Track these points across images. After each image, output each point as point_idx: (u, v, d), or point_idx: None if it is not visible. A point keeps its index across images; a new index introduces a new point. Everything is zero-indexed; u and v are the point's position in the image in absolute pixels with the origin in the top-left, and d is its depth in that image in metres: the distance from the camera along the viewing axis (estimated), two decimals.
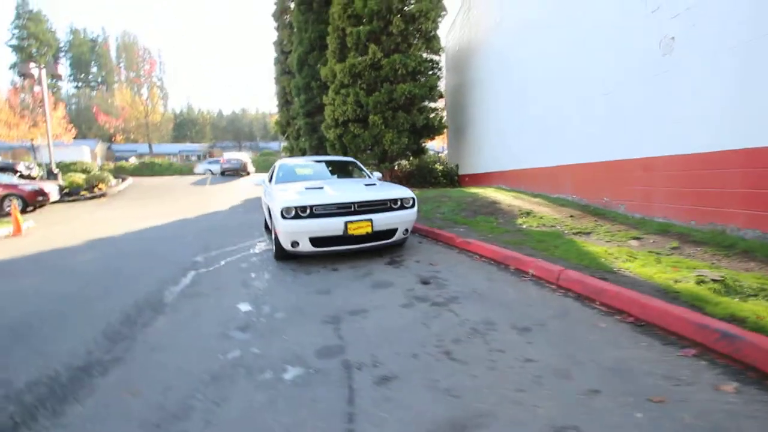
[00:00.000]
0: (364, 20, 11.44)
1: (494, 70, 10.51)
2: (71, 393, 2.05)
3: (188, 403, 1.90)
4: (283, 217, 4.32)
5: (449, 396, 1.84)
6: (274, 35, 19.83)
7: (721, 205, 4.09)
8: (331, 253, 4.55)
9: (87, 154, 30.87)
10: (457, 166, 14.25)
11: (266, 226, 7.15)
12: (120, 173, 22.21)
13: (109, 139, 39.21)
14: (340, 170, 6.33)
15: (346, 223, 4.34)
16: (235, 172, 21.13)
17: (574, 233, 5.07)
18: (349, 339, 2.53)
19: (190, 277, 4.34)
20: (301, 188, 4.96)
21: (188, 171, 26.52)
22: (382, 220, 4.53)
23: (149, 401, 1.94)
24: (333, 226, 4.35)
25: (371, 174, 6.40)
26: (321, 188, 4.89)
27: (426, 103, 11.87)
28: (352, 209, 4.48)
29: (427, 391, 1.89)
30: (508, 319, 2.68)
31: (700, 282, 2.99)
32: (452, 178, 14.09)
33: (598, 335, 2.38)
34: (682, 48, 4.44)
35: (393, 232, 4.71)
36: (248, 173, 21.54)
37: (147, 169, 26.90)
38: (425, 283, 3.67)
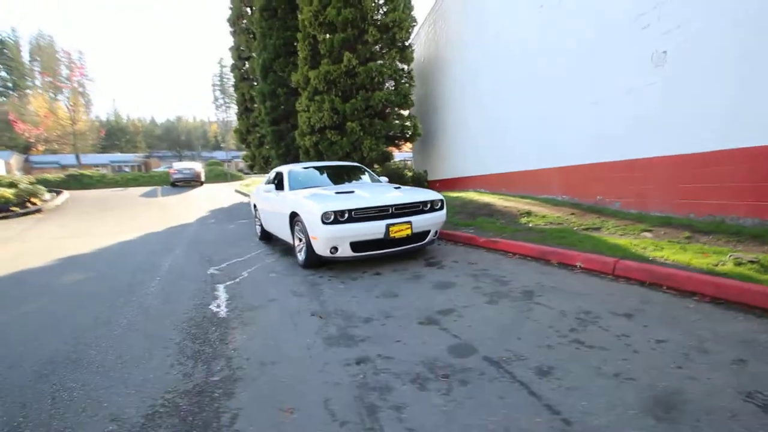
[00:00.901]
0: (338, 28, 11.43)
1: (465, 82, 10.99)
2: (223, 425, 1.81)
3: (363, 412, 1.77)
4: (323, 222, 4.16)
5: (625, 379, 1.90)
6: (220, 40, 19.00)
7: (717, 198, 4.64)
8: (366, 257, 4.44)
9: (1, 167, 27.06)
10: (425, 171, 14.58)
11: (264, 235, 6.81)
12: (45, 187, 19.71)
13: (26, 150, 34.71)
14: (351, 175, 6.23)
15: (388, 226, 4.29)
16: (188, 182, 19.73)
17: (584, 229, 5.44)
18: (467, 337, 2.50)
19: (222, 290, 4.00)
20: (330, 193, 4.81)
21: (127, 183, 24.26)
22: (419, 222, 4.54)
23: (316, 417, 1.77)
24: (375, 229, 4.27)
25: (380, 178, 6.38)
26: (352, 192, 4.79)
27: (401, 110, 12.09)
28: (390, 212, 4.43)
29: (601, 378, 1.93)
30: (601, 308, 2.82)
31: (738, 264, 3.37)
32: (422, 183, 14.38)
33: (698, 314, 2.59)
34: (673, 61, 5.00)
35: (426, 234, 4.73)
36: (201, 183, 20.21)
37: (75, 182, 24.18)
38: (485, 280, 3.72)
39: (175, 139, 47.74)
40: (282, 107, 14.12)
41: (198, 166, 20.59)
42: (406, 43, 11.59)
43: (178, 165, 20.80)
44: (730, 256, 3.55)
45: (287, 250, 6.05)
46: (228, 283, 4.30)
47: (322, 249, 4.29)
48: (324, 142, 11.54)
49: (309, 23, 11.65)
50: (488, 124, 9.75)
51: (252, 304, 3.49)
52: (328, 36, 11.39)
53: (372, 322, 2.87)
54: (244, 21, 17.06)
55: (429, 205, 4.77)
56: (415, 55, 14.92)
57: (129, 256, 6.19)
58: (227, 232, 8.48)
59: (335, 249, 4.26)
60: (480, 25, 9.97)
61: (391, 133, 11.74)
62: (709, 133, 4.68)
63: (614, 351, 2.19)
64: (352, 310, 3.16)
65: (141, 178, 26.10)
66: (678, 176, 5.10)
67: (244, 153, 18.14)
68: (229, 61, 19.21)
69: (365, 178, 6.23)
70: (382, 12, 11.33)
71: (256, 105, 16.60)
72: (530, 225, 6.13)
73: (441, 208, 4.88)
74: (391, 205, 4.44)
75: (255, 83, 16.82)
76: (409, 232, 4.43)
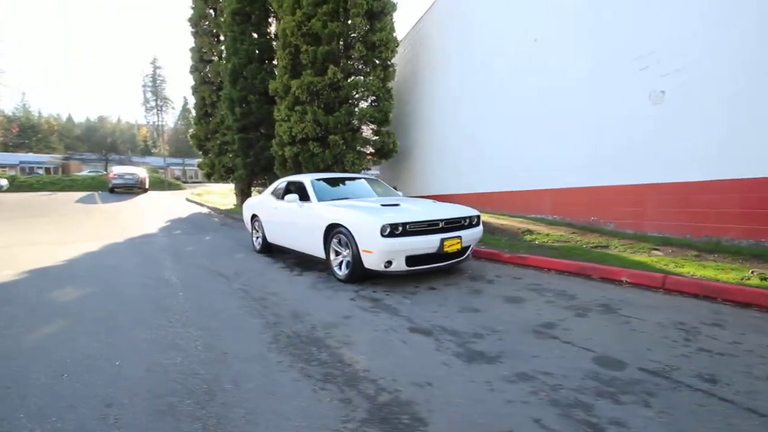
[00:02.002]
0: (323, 41, 11.34)
1: (446, 105, 11.45)
2: None
3: (589, 430, 1.71)
4: (382, 235, 4.02)
5: None
6: (150, 37, 17.78)
7: (712, 221, 5.30)
8: (415, 272, 4.35)
9: None
10: (395, 188, 14.75)
11: (265, 248, 6.39)
12: None
13: None
14: (374, 187, 6.11)
15: (442, 240, 4.26)
16: (129, 189, 17.77)
17: (593, 247, 5.86)
18: (598, 350, 2.54)
19: (273, 306, 3.66)
20: (375, 205, 4.68)
21: (45, 186, 21.24)
22: (466, 236, 4.57)
23: None
24: (431, 243, 4.21)
25: (397, 191, 6.36)
26: (398, 205, 4.70)
27: (380, 127, 12.16)
28: (440, 226, 4.41)
29: (763, 381, 2.08)
30: (689, 319, 3.04)
31: (763, 279, 3.85)
32: None
33: None
34: (670, 100, 5.69)
35: (467, 249, 4.77)
36: (145, 190, 18.32)
37: None
38: (547, 294, 3.83)
39: (99, 141, 42.98)
40: (253, 115, 13.50)
41: (142, 172, 18.71)
42: (390, 62, 11.79)
43: (118, 169, 18.74)
44: (752, 272, 4.04)
45: (301, 263, 5.72)
46: (271, 298, 3.94)
47: (375, 263, 4.12)
48: (305, 154, 11.21)
49: (291, 32, 11.40)
50: (473, 147, 10.17)
51: (328, 321, 3.22)
52: (311, 47, 11.22)
53: (485, 337, 2.81)
54: (207, 23, 16.19)
55: (468, 221, 4.83)
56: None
57: (114, 269, 5.42)
58: (208, 244, 7.81)
59: (389, 263, 4.12)
60: (465, 52, 10.50)
61: (371, 149, 11.73)
62: (703, 164, 5.35)
63: (743, 357, 2.37)
64: (450, 325, 3.06)
65: (60, 181, 23.15)
66: (674, 201, 5.73)
67: (200, 160, 16.88)
68: (164, 61, 17.98)
69: (384, 190, 6.15)
70: (366, 28, 11.45)
71: (217, 110, 15.67)
72: (537, 242, 6.45)
73: (478, 224, 4.96)
74: (442, 219, 4.43)
75: (216, 88, 15.92)
76: (459, 246, 4.43)
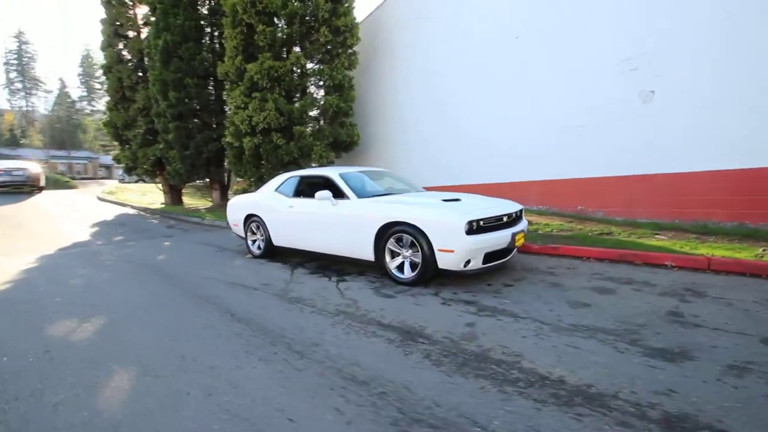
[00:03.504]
0: (284, 21, 10.42)
1: (428, 105, 11.30)
2: None
3: None
4: (467, 233, 3.76)
5: None
6: (56, 9, 14.92)
7: (700, 207, 6.02)
8: (488, 269, 4.15)
9: None
10: None
11: (268, 251, 5.68)
12: None
13: None
14: (399, 180, 5.73)
15: (513, 235, 4.14)
16: (17, 187, 14.28)
17: (598, 234, 6.26)
18: (751, 332, 2.65)
19: (356, 325, 3.19)
20: (436, 200, 4.36)
21: None
22: (525, 229, 4.52)
23: None
24: (504, 238, 4.07)
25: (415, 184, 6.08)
26: (459, 200, 4.44)
27: (344, 118, 11.58)
28: (505, 221, 4.29)
29: None
30: None
31: None
32: None
33: None
34: (659, 98, 6.32)
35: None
36: (40, 189, 14.92)
37: None
38: (624, 284, 3.95)
39: None
40: (192, 100, 11.89)
41: (34, 167, 15.21)
42: (354, 50, 11.25)
43: (3, 164, 14.99)
44: (764, 250, 4.67)
45: (322, 266, 5.16)
46: (348, 310, 3.44)
47: (454, 263, 3.84)
48: (267, 145, 10.21)
49: (242, 9, 10.24)
50: (453, 138, 10.07)
51: (462, 332, 2.88)
52: (268, 28, 10.20)
53: (641, 332, 2.74)
54: None
55: (520, 213, 4.77)
56: None
57: (90, 288, 4.30)
58: (180, 251, 6.74)
59: (468, 262, 3.87)
60: (436, 43, 10.43)
61: (339, 141, 11.10)
62: (687, 156, 6.06)
63: None
64: (591, 323, 2.93)
65: None
66: (663, 189, 6.39)
67: (116, 152, 14.37)
68: (33, 35, 15.02)
69: (406, 184, 5.80)
70: (329, 11, 10.72)
71: (138, 94, 13.47)
72: (540, 232, 6.71)
73: (523, 216, 4.95)
74: (507, 214, 4.30)
75: (136, 67, 13.68)
76: (523, 240, 4.37)
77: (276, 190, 5.70)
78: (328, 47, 10.58)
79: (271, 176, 10.59)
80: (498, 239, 3.99)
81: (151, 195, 16.79)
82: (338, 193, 4.82)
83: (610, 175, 7.05)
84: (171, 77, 11.65)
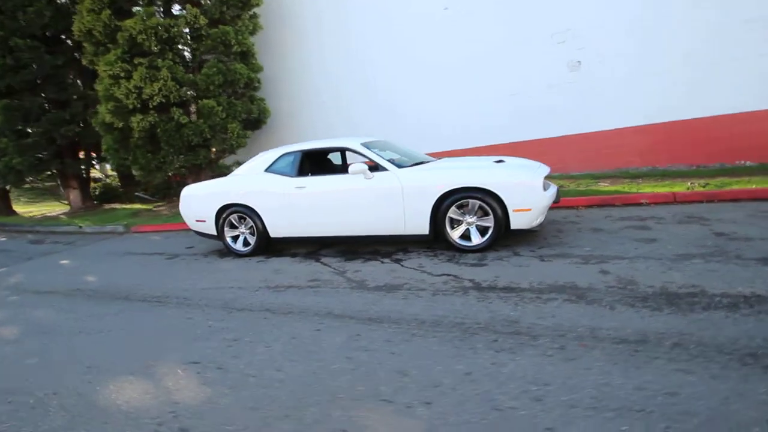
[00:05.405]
0: None
1: (349, 81, 10.52)
2: None
3: None
4: (544, 188, 3.79)
5: None
6: None
7: (620, 157, 7.34)
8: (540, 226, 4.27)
9: None
10: None
11: (263, 245, 4.74)
12: None
13: None
14: (407, 151, 5.30)
15: (558, 190, 4.33)
16: None
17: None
18: None
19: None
20: (489, 163, 4.20)
21: None
22: None
23: None
24: (555, 193, 4.22)
25: None
26: (503, 161, 4.35)
27: (251, 92, 10.10)
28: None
29: None
30: None
31: (703, 186, 5.78)
32: None
33: None
34: (585, 67, 7.35)
35: None
36: None
37: None
38: (644, 225, 4.56)
39: None
40: (28, 70, 8.69)
41: None
42: (256, 12, 9.76)
43: None
44: (691, 183, 5.97)
45: (345, 251, 4.54)
46: (467, 285, 3.12)
47: (528, 221, 3.81)
48: (166, 124, 8.20)
49: None
50: (380, 114, 9.73)
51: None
52: None
53: (726, 249, 3.20)
54: None
55: None
56: None
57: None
58: (102, 270, 5.04)
59: (539, 218, 3.93)
60: (355, 12, 9.82)
61: (250, 117, 9.63)
62: (609, 117, 7.29)
63: None
64: (680, 252, 3.31)
65: None
66: (591, 146, 7.56)
67: None
68: None
69: (418, 154, 5.40)
70: None
71: None
72: None
73: None
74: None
75: None
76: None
77: (267, 170, 4.63)
78: (225, 8, 8.90)
79: (174, 163, 8.70)
80: (554, 194, 4.13)
81: None
82: (374, 167, 4.22)
83: (544, 137, 7.96)
84: None
